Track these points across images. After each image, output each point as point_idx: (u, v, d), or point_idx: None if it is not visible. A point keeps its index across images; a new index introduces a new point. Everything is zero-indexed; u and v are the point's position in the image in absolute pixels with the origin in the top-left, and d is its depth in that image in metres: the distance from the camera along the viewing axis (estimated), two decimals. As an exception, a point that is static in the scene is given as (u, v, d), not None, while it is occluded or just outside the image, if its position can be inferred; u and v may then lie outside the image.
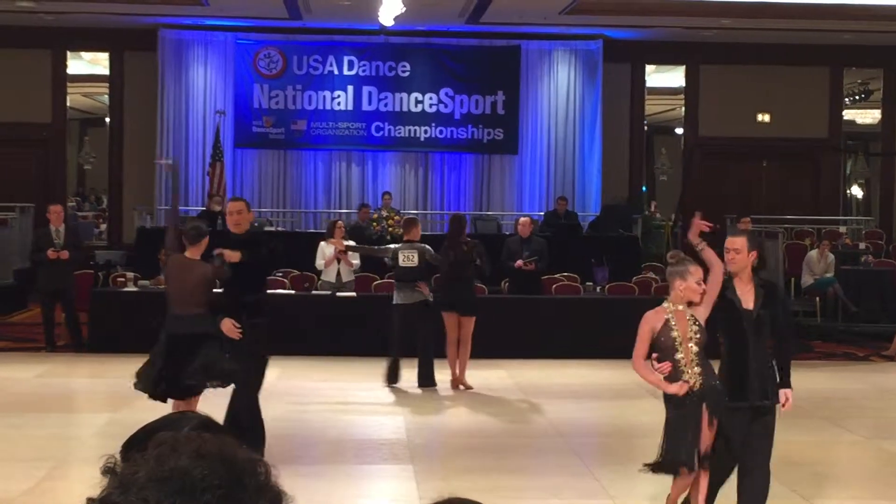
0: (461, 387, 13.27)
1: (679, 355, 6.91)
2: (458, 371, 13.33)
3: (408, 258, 13.20)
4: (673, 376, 6.92)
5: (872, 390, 14.01)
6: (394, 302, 13.40)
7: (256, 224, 19.20)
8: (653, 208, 24.37)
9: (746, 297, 7.08)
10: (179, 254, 9.33)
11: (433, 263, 13.29)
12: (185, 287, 9.05)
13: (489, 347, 14.46)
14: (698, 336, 6.93)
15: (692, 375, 6.89)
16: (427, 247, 13.47)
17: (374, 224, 19.68)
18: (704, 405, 6.88)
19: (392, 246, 13.89)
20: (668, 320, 6.96)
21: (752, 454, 7.00)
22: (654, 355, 7.01)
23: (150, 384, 8.84)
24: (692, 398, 6.88)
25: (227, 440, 1.55)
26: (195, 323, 8.91)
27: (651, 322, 7.02)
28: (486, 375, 13.93)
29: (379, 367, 13.51)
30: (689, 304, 6.99)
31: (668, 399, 7.01)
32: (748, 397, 6.96)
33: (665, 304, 7.05)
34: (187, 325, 8.92)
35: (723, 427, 6.92)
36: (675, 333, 6.92)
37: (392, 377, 13.31)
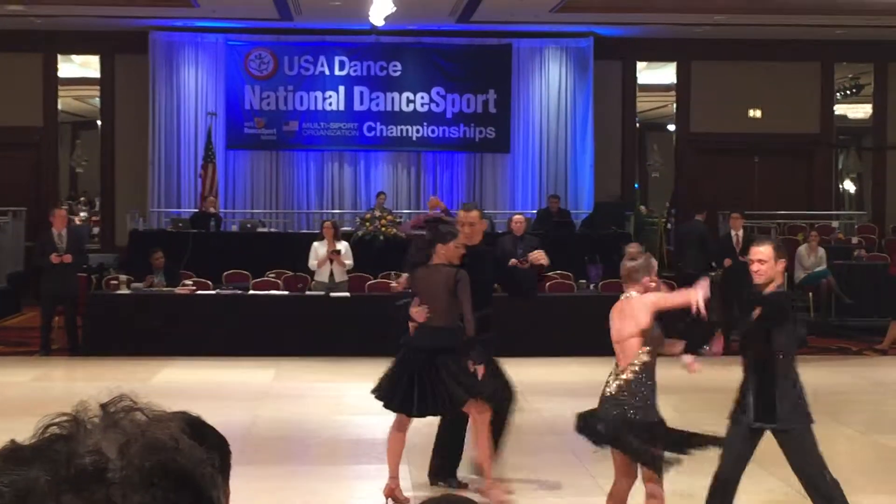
0: None
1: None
2: None
3: None
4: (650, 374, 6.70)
5: (867, 384, 14.04)
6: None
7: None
8: (645, 210, 24.36)
9: None
10: (423, 265, 8.29)
11: None
12: (430, 296, 8.24)
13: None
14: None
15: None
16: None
17: (367, 224, 19.64)
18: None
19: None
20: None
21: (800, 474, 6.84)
22: (646, 348, 6.72)
23: (388, 397, 8.36)
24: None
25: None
26: (436, 337, 8.19)
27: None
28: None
29: (374, 367, 13.48)
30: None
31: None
32: (746, 414, 6.76)
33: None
34: (428, 338, 8.22)
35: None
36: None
37: None
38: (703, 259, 18.34)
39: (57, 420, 1.30)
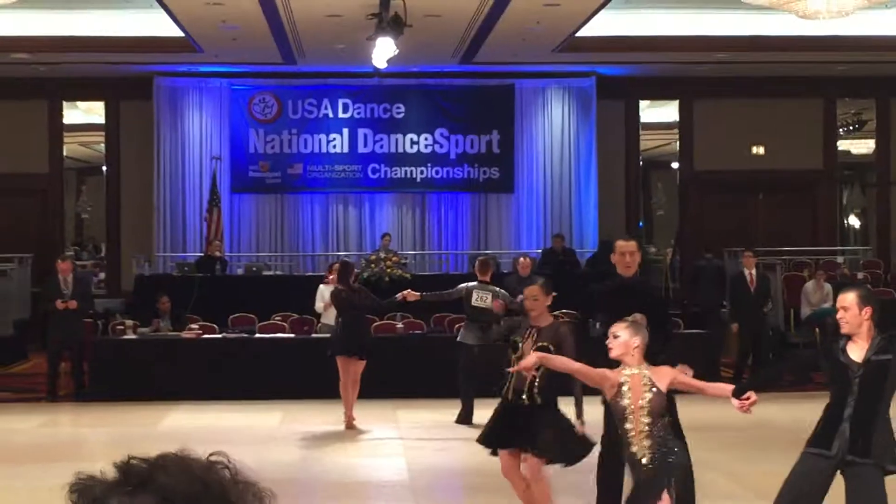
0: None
1: (628, 425, 6.43)
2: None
3: (481, 299, 13.29)
4: (620, 447, 6.54)
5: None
6: (460, 340, 13.52)
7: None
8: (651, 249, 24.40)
9: (857, 349, 6.54)
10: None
11: (509, 306, 13.26)
12: None
13: (491, 384, 14.42)
14: (651, 403, 6.39)
15: (641, 449, 6.40)
16: (500, 290, 13.58)
17: (373, 266, 19.68)
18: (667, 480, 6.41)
19: (462, 286, 13.71)
20: (621, 384, 6.49)
21: None
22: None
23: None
24: (644, 469, 6.41)
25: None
26: None
27: (608, 373, 6.62)
28: (488, 415, 13.88)
29: (379, 408, 13.48)
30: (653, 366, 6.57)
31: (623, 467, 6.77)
32: (831, 446, 6.49)
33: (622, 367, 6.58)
34: None
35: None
36: (625, 401, 6.44)
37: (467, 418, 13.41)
38: (718, 295, 18.42)
39: (166, 455, 1.45)
